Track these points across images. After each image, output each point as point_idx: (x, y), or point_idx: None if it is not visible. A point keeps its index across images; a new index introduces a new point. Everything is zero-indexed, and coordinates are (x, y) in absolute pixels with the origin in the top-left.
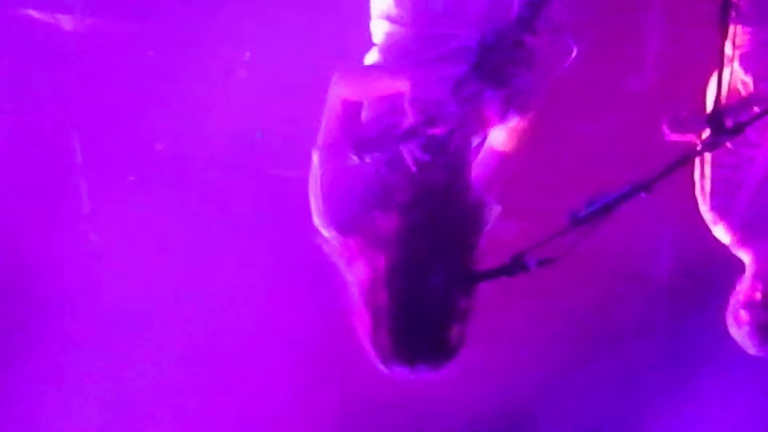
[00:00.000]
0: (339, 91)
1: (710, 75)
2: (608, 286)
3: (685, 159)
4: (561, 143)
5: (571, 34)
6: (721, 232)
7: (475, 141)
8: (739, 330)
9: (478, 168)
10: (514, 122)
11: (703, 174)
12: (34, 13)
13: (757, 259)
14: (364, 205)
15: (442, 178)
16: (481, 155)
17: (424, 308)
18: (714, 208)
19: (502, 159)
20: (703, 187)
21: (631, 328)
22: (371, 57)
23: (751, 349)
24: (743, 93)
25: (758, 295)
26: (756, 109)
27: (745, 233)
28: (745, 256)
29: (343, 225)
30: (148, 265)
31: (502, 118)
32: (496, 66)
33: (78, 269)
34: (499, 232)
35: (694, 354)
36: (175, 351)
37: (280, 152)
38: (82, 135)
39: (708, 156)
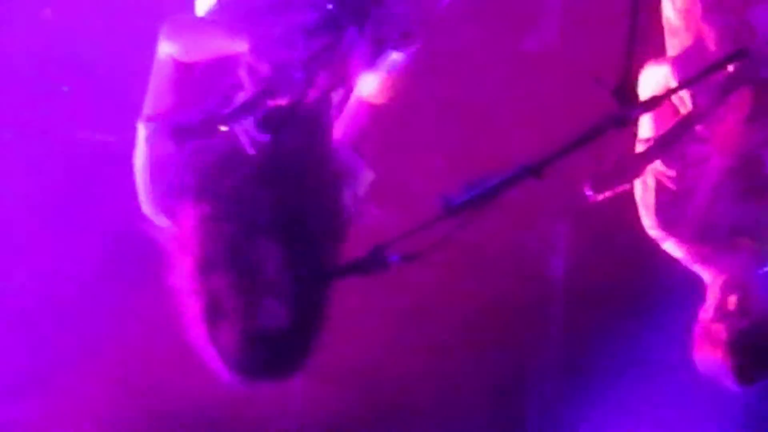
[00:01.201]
0: (168, 48)
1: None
2: (494, 285)
3: (586, 137)
4: (440, 113)
5: None
6: (673, 248)
7: (337, 96)
8: (713, 355)
9: (343, 128)
10: (388, 65)
11: (645, 186)
12: None
13: (722, 270)
14: (200, 185)
15: (296, 143)
16: (346, 112)
17: (268, 309)
18: (660, 224)
19: (374, 114)
20: (645, 201)
21: (523, 331)
22: (203, 4)
23: (727, 377)
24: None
25: (732, 305)
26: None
27: (701, 246)
28: (705, 272)
29: (169, 209)
30: None
31: (371, 64)
32: (358, 4)
33: None
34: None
35: (591, 358)
36: None
37: (93, 112)
38: None
39: (651, 165)
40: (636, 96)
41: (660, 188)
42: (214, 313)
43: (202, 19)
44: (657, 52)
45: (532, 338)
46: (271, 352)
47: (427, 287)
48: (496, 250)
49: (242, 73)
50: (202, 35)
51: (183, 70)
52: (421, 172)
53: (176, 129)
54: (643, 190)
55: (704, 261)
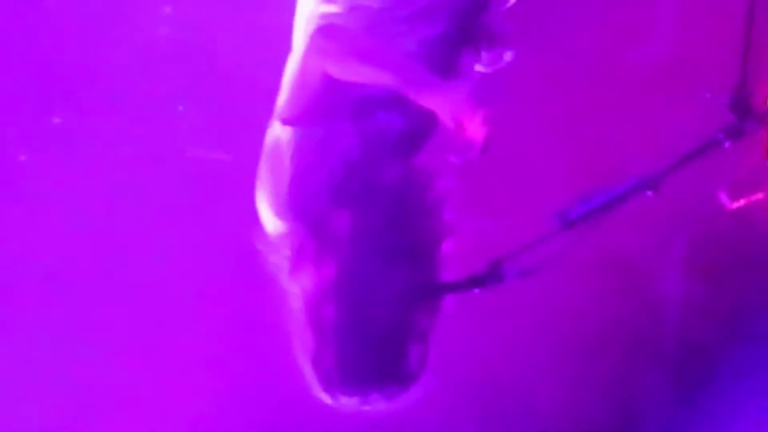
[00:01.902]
0: (322, 63)
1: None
2: (609, 301)
3: (701, 150)
4: (554, 126)
5: None
6: None
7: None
8: None
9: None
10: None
11: None
12: None
13: None
14: (330, 195)
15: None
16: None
17: (378, 326)
18: None
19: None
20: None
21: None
22: (322, 7)
23: None
24: None
25: None
26: None
27: None
28: None
29: (304, 215)
30: (39, 260)
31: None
32: (475, 23)
33: None
34: (467, 230)
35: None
36: (76, 346)
37: (207, 130)
38: None
39: None
40: (753, 108)
41: None
42: (321, 339)
43: (368, 43)
44: None
45: (647, 354)
46: (385, 372)
47: (543, 301)
48: (611, 264)
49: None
50: (365, 68)
51: (333, 82)
52: (537, 186)
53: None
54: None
55: None
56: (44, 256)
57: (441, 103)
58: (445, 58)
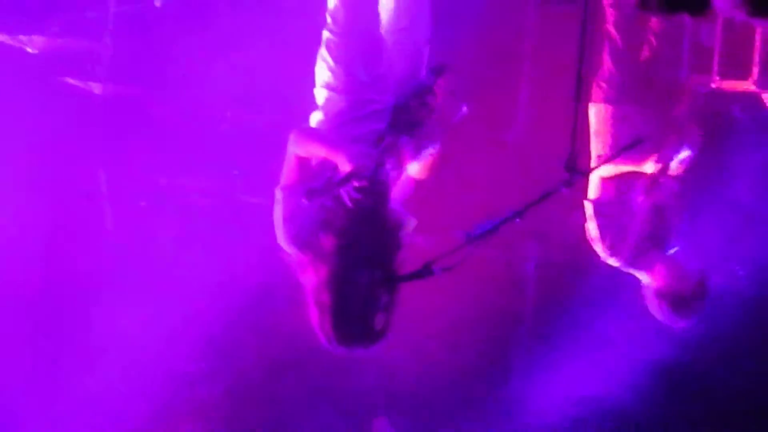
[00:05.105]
0: (293, 149)
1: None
2: (491, 286)
3: (548, 194)
4: (455, 180)
5: (461, 96)
6: (613, 262)
7: (393, 174)
8: (659, 309)
9: (399, 190)
10: (423, 159)
11: (594, 227)
12: (71, 81)
13: (645, 267)
14: (312, 229)
15: (369, 204)
16: (401, 181)
17: (355, 304)
18: (606, 247)
19: (416, 183)
20: (592, 232)
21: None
22: (315, 117)
23: (670, 318)
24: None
25: (658, 281)
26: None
27: (634, 261)
28: (639, 274)
29: (297, 244)
30: (156, 269)
31: (415, 156)
32: (407, 121)
33: (101, 270)
34: (417, 244)
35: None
36: (185, 339)
37: (251, 184)
38: (107, 172)
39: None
40: (578, 168)
41: (602, 225)
42: (321, 313)
43: (315, 131)
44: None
45: (511, 320)
46: (362, 333)
47: (445, 290)
48: (493, 261)
49: (340, 166)
50: (316, 146)
51: (303, 161)
52: (450, 216)
53: (308, 191)
54: (593, 230)
55: (640, 270)
56: None
57: (347, 158)
58: (383, 141)
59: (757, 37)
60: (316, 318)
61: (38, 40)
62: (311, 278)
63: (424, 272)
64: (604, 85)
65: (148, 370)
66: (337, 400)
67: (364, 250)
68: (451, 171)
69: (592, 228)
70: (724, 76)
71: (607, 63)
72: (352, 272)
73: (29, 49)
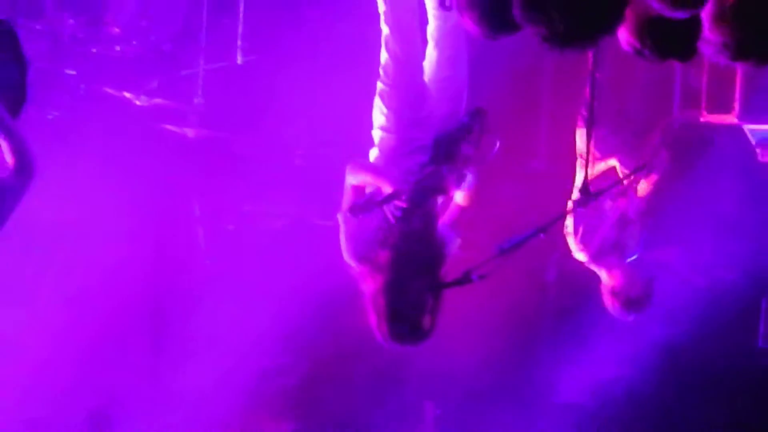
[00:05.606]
0: (349, 180)
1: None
2: (518, 291)
3: (567, 213)
4: (489, 203)
5: (495, 134)
6: (581, 257)
7: (440, 200)
8: (612, 306)
9: (446, 216)
10: (465, 188)
11: (574, 231)
12: (170, 127)
13: (607, 268)
14: (371, 246)
15: (419, 225)
16: (450, 208)
17: (406, 307)
18: (579, 242)
19: (461, 209)
20: (569, 227)
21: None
22: (373, 153)
23: (621, 314)
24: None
25: (613, 284)
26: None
27: (597, 258)
28: (600, 271)
29: (358, 258)
30: (242, 281)
31: (457, 185)
32: (446, 153)
33: (198, 282)
34: (457, 256)
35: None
36: (269, 338)
37: (321, 209)
38: (200, 202)
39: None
40: (590, 191)
41: (578, 223)
42: (378, 316)
43: (365, 162)
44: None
45: (536, 317)
46: (412, 332)
47: (486, 291)
48: (521, 272)
49: (383, 188)
50: (366, 176)
51: (357, 188)
52: (485, 233)
53: (352, 207)
54: (569, 225)
55: (600, 267)
56: None
57: (389, 183)
58: (428, 171)
59: (738, 78)
60: (373, 319)
61: (143, 95)
62: (370, 286)
63: (464, 280)
64: (584, 112)
65: (239, 365)
66: (396, 387)
67: (414, 263)
68: (486, 195)
69: (569, 223)
70: (711, 111)
71: (585, 93)
72: (404, 281)
73: (137, 102)
